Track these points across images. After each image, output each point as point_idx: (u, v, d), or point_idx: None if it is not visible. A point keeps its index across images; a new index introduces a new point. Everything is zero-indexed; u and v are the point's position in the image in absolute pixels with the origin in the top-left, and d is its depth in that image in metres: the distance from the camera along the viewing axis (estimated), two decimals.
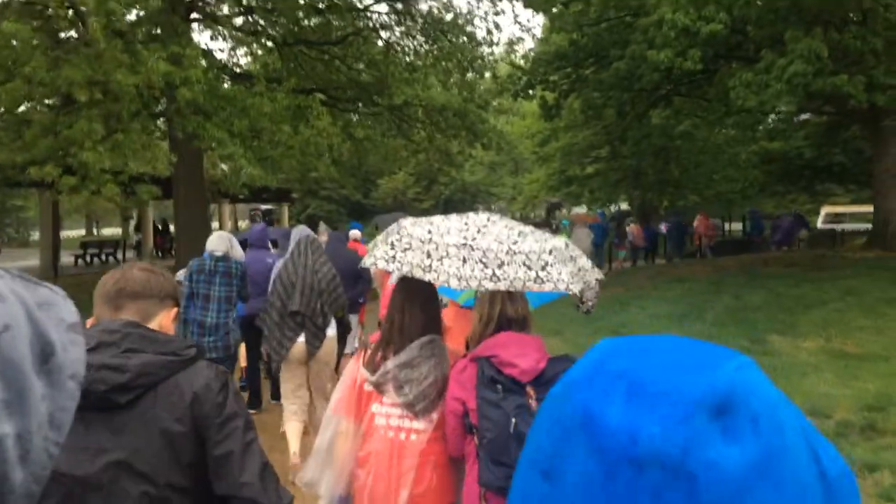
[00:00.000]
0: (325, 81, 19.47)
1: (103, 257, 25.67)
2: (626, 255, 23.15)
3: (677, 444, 0.48)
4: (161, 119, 12.84)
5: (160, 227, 30.41)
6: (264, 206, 41.99)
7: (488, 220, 2.79)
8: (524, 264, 2.51)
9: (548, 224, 23.96)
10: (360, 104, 20.35)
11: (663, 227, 25.11)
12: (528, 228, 2.81)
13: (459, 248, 2.55)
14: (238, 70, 16.79)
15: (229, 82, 13.24)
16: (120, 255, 27.09)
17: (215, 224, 33.83)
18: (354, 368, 2.77)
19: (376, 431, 2.65)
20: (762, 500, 0.49)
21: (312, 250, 5.24)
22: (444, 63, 20.07)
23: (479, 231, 2.66)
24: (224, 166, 12.00)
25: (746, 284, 14.93)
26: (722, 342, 6.70)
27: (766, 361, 8.56)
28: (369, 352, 2.77)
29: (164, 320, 1.90)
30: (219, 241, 5.79)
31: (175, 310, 1.96)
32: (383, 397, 2.66)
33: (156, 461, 1.64)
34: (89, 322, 1.80)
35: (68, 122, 9.85)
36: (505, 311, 2.65)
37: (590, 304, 3.07)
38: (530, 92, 20.60)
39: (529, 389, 2.43)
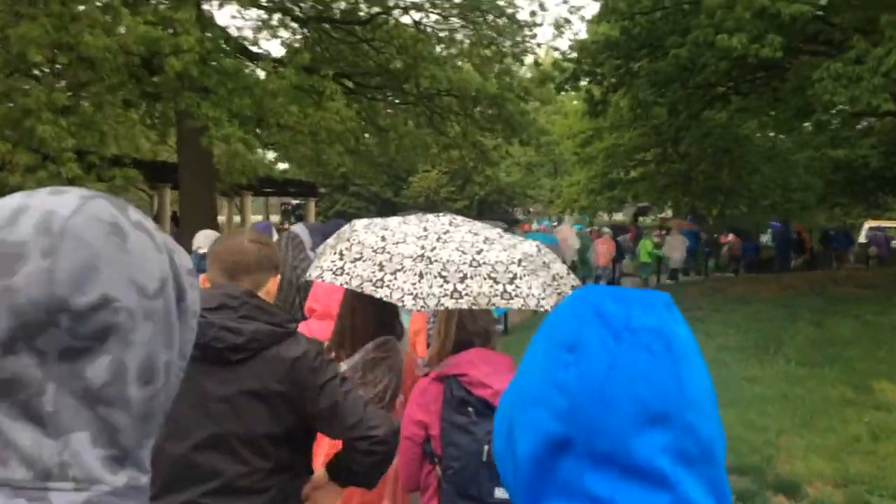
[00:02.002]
0: (351, 66, 17.73)
1: None
2: (715, 264, 21.82)
3: (656, 320, 0.75)
4: (157, 97, 11.11)
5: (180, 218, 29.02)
6: (294, 201, 41.05)
7: (450, 224, 2.54)
8: (490, 276, 2.26)
9: (634, 230, 22.04)
10: (389, 93, 18.57)
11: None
12: (495, 233, 2.55)
13: (416, 261, 2.29)
14: (248, 45, 15.05)
15: (236, 58, 11.50)
16: None
17: (237, 218, 32.40)
18: None
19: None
20: (699, 362, 0.78)
21: (293, 246, 5.15)
22: (481, 50, 18.20)
23: (438, 239, 2.41)
24: (216, 150, 10.16)
25: (825, 309, 12.80)
26: (816, 391, 6.21)
27: (879, 419, 6.56)
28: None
29: (271, 286, 2.11)
30: (203, 240, 5.74)
31: (278, 276, 2.14)
32: None
33: (255, 412, 1.83)
34: (203, 281, 2.18)
35: (26, 88, 8.20)
36: (464, 325, 2.44)
37: None
38: (579, 83, 18.66)
39: None
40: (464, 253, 2.35)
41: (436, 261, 2.30)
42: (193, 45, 9.67)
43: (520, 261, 2.34)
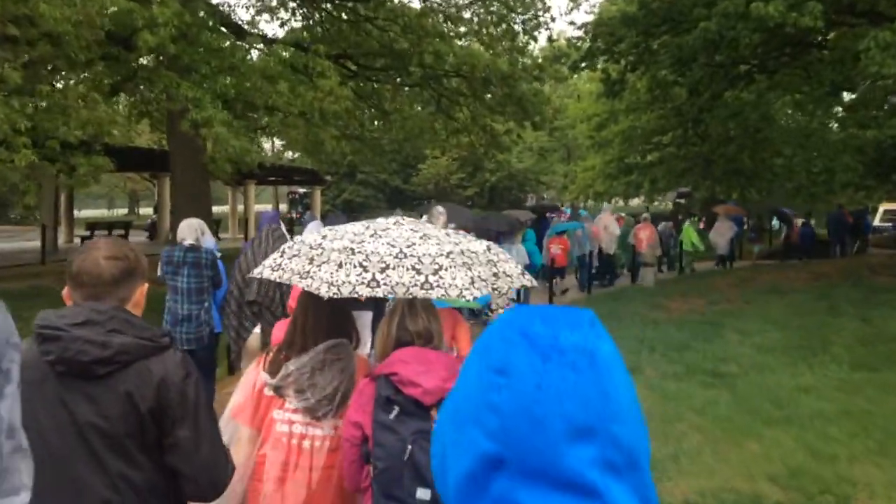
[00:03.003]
0: (354, 46, 16.69)
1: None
2: (760, 249, 21.06)
3: (581, 338, 0.77)
4: (132, 78, 10.09)
5: None
6: (301, 189, 40.17)
7: (395, 223, 2.55)
8: (413, 268, 2.27)
9: (675, 218, 20.88)
10: (394, 75, 17.51)
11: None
12: (441, 233, 2.55)
13: (340, 253, 2.34)
14: (242, 24, 14.01)
15: (221, 33, 10.47)
16: (131, 238, 24.88)
17: (240, 207, 31.48)
18: (255, 372, 2.57)
19: (277, 438, 2.47)
20: (622, 375, 0.79)
21: (274, 238, 5.11)
22: (490, 28, 17.11)
23: (373, 235, 2.44)
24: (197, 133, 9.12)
25: (867, 301, 11.69)
26: (882, 403, 5.87)
27: None
28: (271, 355, 2.56)
29: (138, 297, 2.00)
30: (188, 230, 5.53)
31: (146, 285, 2.05)
32: (285, 402, 2.47)
33: (121, 425, 1.81)
34: (65, 295, 1.93)
35: None
36: (405, 325, 2.39)
37: (500, 311, 2.81)
38: (595, 62, 17.51)
39: (434, 412, 2.14)
40: (392, 246, 2.35)
41: (359, 252, 2.32)
42: (170, 18, 8.67)
43: (448, 253, 2.34)
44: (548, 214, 18.41)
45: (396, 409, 2.19)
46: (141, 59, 9.72)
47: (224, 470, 1.96)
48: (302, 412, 2.45)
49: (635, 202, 38.21)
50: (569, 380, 0.74)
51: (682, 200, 23.98)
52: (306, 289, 2.36)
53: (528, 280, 2.67)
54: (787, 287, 14.05)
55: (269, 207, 51.38)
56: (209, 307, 5.53)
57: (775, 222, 25.94)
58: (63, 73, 8.22)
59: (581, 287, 15.29)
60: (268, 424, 2.51)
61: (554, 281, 14.04)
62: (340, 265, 2.31)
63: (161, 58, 9.89)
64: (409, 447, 2.14)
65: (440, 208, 7.52)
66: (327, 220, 9.59)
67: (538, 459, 0.73)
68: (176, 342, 5.44)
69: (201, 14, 9.88)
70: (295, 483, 2.45)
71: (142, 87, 10.28)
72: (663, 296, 13.53)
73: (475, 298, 2.33)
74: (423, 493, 2.12)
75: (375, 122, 19.69)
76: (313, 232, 2.72)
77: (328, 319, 2.55)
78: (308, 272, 2.35)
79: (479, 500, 0.76)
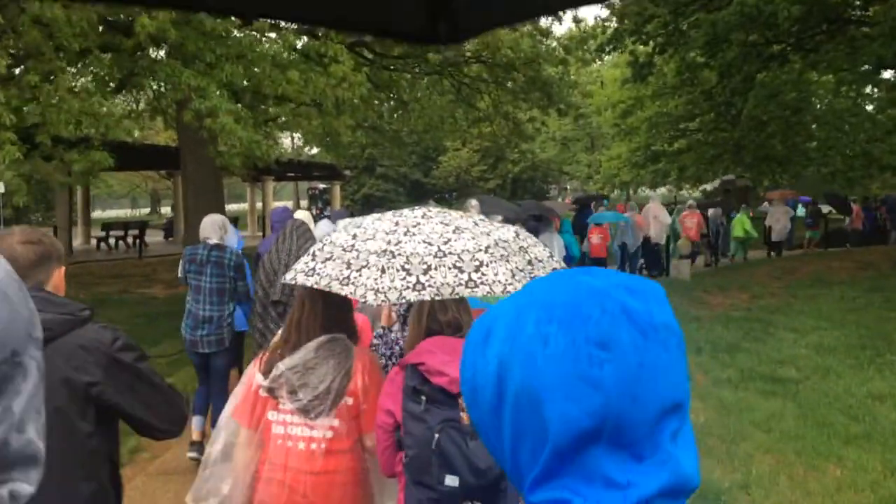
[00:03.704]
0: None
1: (130, 240, 22.92)
2: (818, 235, 20.70)
3: (669, 316, 0.76)
4: (131, 67, 9.45)
5: None
6: (322, 185, 39.69)
7: (423, 216, 2.47)
8: (454, 266, 2.24)
9: (724, 205, 20.11)
10: (412, 63, 16.81)
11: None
12: (470, 223, 2.46)
13: (379, 256, 2.28)
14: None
15: (227, 18, 9.80)
16: (147, 238, 24.45)
17: (259, 204, 30.98)
18: (252, 371, 2.52)
19: (273, 440, 2.41)
20: (678, 342, 0.77)
21: (298, 235, 4.90)
22: None
23: (406, 232, 2.37)
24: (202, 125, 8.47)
25: None
26: None
27: None
28: (268, 354, 2.49)
29: (56, 281, 2.04)
30: (210, 227, 5.31)
31: (62, 268, 2.07)
32: (279, 404, 2.40)
33: (56, 398, 1.82)
34: None
35: None
36: (435, 316, 2.39)
37: None
38: (625, 44, 16.67)
39: (461, 400, 2.09)
40: (430, 244, 2.30)
41: (399, 254, 2.27)
42: None
43: (487, 248, 2.32)
44: (592, 204, 17.67)
45: (424, 399, 2.20)
46: (142, 48, 9.06)
47: (180, 408, 2.11)
48: (296, 413, 2.39)
49: (660, 191, 37.21)
50: (662, 358, 0.75)
51: (730, 188, 23.10)
52: (349, 296, 2.29)
53: (558, 263, 2.59)
54: (834, 278, 13.19)
55: (288, 204, 50.96)
56: (232, 311, 5.30)
57: (825, 207, 24.70)
58: (53, 61, 7.54)
59: None
60: (265, 426, 2.45)
61: None
62: (383, 270, 2.24)
63: (163, 47, 9.26)
64: (437, 436, 2.14)
65: (473, 201, 7.19)
66: (333, 216, 8.93)
67: (631, 434, 0.74)
68: (196, 346, 5.13)
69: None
70: (288, 487, 2.39)
71: (144, 80, 9.61)
72: (701, 289, 12.73)
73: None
74: (451, 480, 2.12)
75: (394, 114, 19.03)
76: (339, 222, 2.55)
77: (324, 314, 2.46)
78: (348, 278, 2.25)
79: (563, 466, 0.76)
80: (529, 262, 2.44)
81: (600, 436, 0.73)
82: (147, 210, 65.34)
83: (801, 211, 24.50)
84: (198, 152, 12.25)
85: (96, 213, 73.04)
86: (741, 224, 17.31)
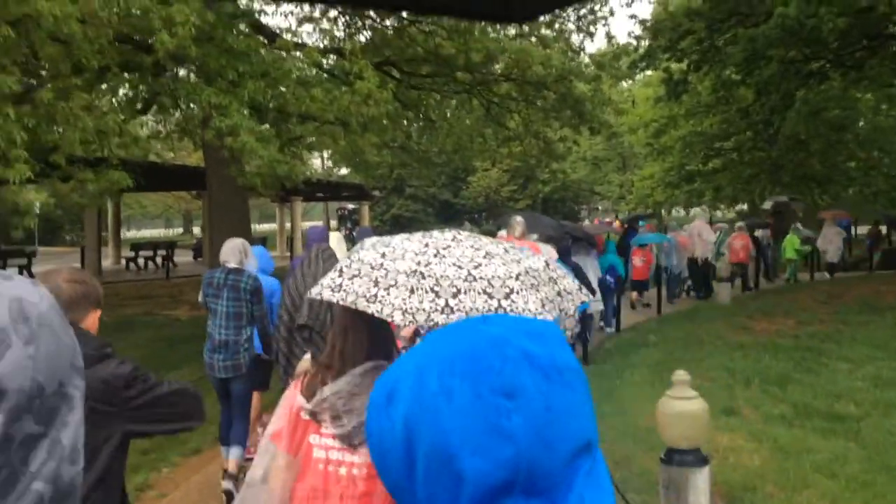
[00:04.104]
0: (398, 52, 15.75)
1: (159, 260, 22.87)
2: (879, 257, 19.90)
3: (570, 357, 0.78)
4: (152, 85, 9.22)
5: None
6: (350, 206, 39.61)
7: (453, 239, 2.42)
8: (484, 292, 2.21)
9: (775, 226, 19.61)
10: (441, 81, 16.51)
11: None
12: (500, 248, 2.42)
13: (409, 276, 2.24)
14: (279, 31, 13.15)
15: (249, 36, 9.57)
16: (177, 258, 24.42)
17: (288, 225, 30.88)
18: (293, 394, 2.43)
19: (314, 465, 2.34)
20: (582, 380, 0.79)
21: (324, 259, 4.94)
22: (542, 30, 15.95)
23: (437, 254, 2.33)
24: (224, 145, 8.17)
25: None
26: None
27: None
28: (308, 377, 2.41)
29: (90, 322, 2.26)
30: (230, 252, 5.29)
31: (98, 311, 2.30)
32: (321, 428, 2.33)
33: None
34: None
35: None
36: None
37: (568, 333, 2.98)
38: (659, 61, 16.24)
39: None
40: (460, 268, 2.26)
41: (429, 276, 2.24)
42: (188, 17, 7.79)
43: (518, 275, 2.28)
44: (639, 223, 17.42)
45: None
46: (163, 67, 8.85)
47: (194, 401, 2.42)
48: (338, 438, 2.33)
49: (695, 211, 36.38)
50: (569, 399, 0.76)
51: (780, 210, 22.54)
52: (376, 314, 2.26)
53: (586, 295, 2.59)
54: (883, 304, 12.50)
55: (319, 223, 50.81)
56: (250, 335, 5.25)
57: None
58: (69, 79, 7.33)
59: (668, 299, 14.34)
60: (305, 450, 2.38)
61: (634, 294, 13.63)
62: (412, 290, 2.22)
63: (186, 65, 9.04)
64: None
65: (518, 218, 7.06)
66: (358, 234, 8.92)
67: (546, 481, 0.73)
68: (214, 370, 5.11)
69: (231, 18, 9.00)
70: None
71: (166, 99, 9.36)
72: (744, 314, 12.14)
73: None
74: None
75: (423, 135, 18.73)
76: (365, 241, 2.57)
77: (368, 339, 2.40)
78: (376, 296, 2.22)
79: None
80: (559, 294, 2.43)
81: (514, 487, 0.73)
82: (181, 230, 65.94)
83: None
84: (222, 172, 12.02)
85: (131, 233, 74.04)
86: (791, 245, 16.89)
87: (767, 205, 22.36)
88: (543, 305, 2.27)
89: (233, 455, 5.10)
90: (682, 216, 35.37)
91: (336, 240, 6.17)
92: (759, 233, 17.15)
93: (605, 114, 16.08)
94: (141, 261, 23.29)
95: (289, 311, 4.79)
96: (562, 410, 0.75)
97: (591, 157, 41.04)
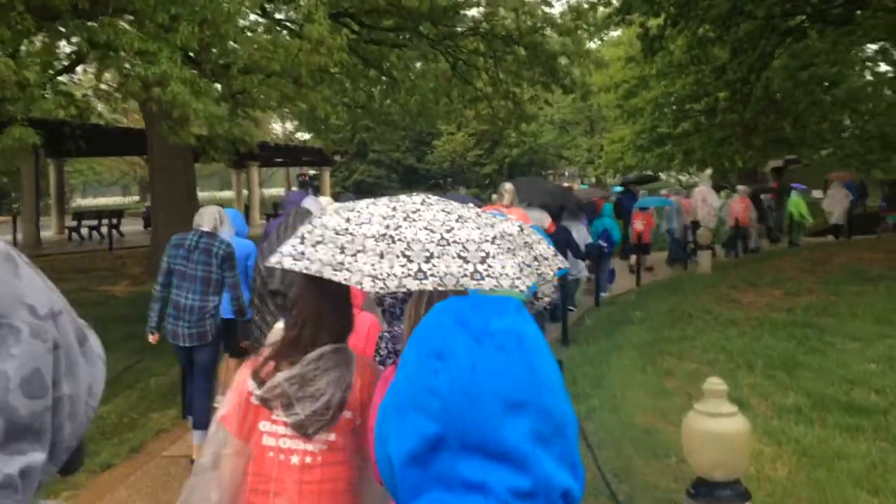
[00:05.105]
0: (356, 3, 14.50)
1: (105, 230, 21.40)
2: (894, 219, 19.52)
3: (509, 322, 0.83)
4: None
5: None
6: (312, 171, 38.29)
7: (422, 203, 2.34)
8: (459, 256, 2.12)
9: (778, 188, 19.19)
10: (403, 36, 15.30)
11: None
12: (472, 212, 2.36)
13: (378, 241, 2.13)
14: None
15: None
16: (126, 227, 23.01)
17: (249, 191, 29.49)
18: (244, 376, 2.31)
19: (264, 452, 2.25)
20: (546, 353, 0.86)
21: (302, 222, 3.65)
22: None
23: (406, 218, 2.24)
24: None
25: None
26: None
27: None
28: (259, 360, 2.28)
29: None
30: (206, 217, 5.17)
31: None
32: (272, 414, 2.24)
33: None
34: None
35: None
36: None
37: (546, 300, 2.87)
38: (634, 15, 15.25)
39: None
40: (432, 231, 2.19)
41: (399, 240, 2.15)
42: None
43: (493, 238, 2.21)
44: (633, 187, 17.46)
45: None
46: (83, 11, 7.60)
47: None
48: (290, 427, 2.19)
49: (703, 175, 35.42)
50: (500, 360, 0.81)
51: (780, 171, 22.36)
52: (344, 282, 2.11)
53: (562, 262, 2.57)
54: (872, 272, 11.84)
55: (281, 191, 49.36)
56: (217, 304, 5.09)
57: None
58: None
59: (670, 263, 14.20)
60: (256, 437, 2.25)
61: (634, 258, 13.55)
62: (382, 255, 2.10)
63: (107, 8, 7.81)
64: None
65: (508, 185, 6.92)
66: (339, 201, 8.48)
67: (476, 434, 0.78)
68: (177, 337, 4.91)
69: None
70: (277, 496, 2.21)
71: (90, 48, 8.08)
72: (728, 285, 11.40)
73: (528, 288, 2.19)
74: None
75: (384, 94, 17.51)
76: (327, 207, 2.40)
77: (323, 322, 2.25)
78: (342, 263, 2.09)
79: (423, 478, 0.82)
80: (535, 259, 2.40)
81: (447, 440, 0.80)
82: (137, 198, 63.66)
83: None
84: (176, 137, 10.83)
85: (86, 201, 71.39)
86: (797, 207, 16.57)
87: (768, 167, 22.10)
88: (521, 270, 2.20)
89: (197, 440, 4.78)
90: (685, 180, 34.49)
91: (326, 203, 5.84)
92: (763, 196, 16.99)
93: (580, 70, 15.07)
94: (85, 231, 21.81)
95: (262, 276, 4.50)
96: (489, 370, 0.80)
97: (559, 120, 40.08)
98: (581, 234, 9.85)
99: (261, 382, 2.22)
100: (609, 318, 9.55)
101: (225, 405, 2.36)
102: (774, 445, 4.73)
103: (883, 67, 24.33)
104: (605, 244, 10.93)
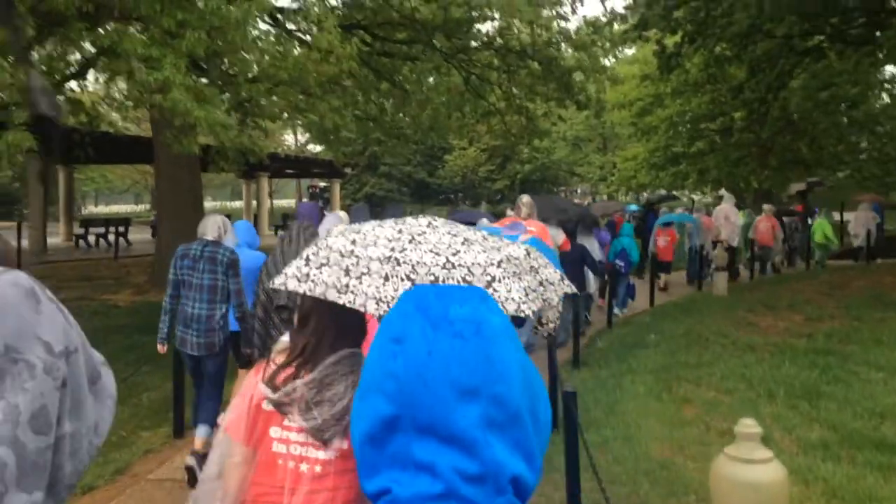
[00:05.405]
0: (370, 16, 14.34)
1: (112, 238, 21.25)
2: None
3: (470, 310, 0.85)
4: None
5: None
6: (323, 183, 38.19)
7: (428, 225, 2.32)
8: (465, 280, 2.09)
9: (804, 211, 19.13)
10: (417, 49, 15.12)
11: None
12: (478, 235, 2.34)
13: (383, 263, 2.12)
14: None
15: None
16: (134, 236, 22.89)
17: (258, 202, 29.36)
18: (252, 383, 2.26)
19: (273, 460, 2.17)
20: (507, 343, 0.86)
21: (306, 238, 4.57)
22: None
23: (412, 240, 2.22)
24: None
25: None
26: None
27: None
28: (273, 365, 2.22)
29: None
30: (210, 225, 5.21)
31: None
32: (284, 420, 2.16)
33: None
34: None
35: None
36: None
37: (551, 325, 2.81)
38: (650, 32, 15.03)
39: None
40: (437, 254, 2.16)
41: (404, 262, 2.14)
42: None
43: (500, 262, 2.20)
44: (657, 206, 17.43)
45: None
46: (89, 16, 7.43)
47: None
48: (305, 432, 2.12)
49: (725, 195, 35.09)
50: (455, 347, 0.83)
51: (808, 192, 22.21)
52: (348, 305, 2.10)
53: (569, 287, 2.52)
54: (894, 297, 11.49)
55: (292, 202, 49.26)
56: (225, 313, 5.11)
57: None
58: None
59: (689, 281, 14.04)
60: (265, 444, 2.18)
61: (663, 277, 13.55)
62: (386, 278, 2.08)
63: (114, 14, 7.65)
64: None
65: (525, 198, 6.72)
66: (352, 213, 8.32)
67: (429, 417, 0.80)
68: (185, 345, 4.96)
69: None
70: None
71: (99, 56, 7.93)
72: (745, 308, 11.05)
73: (533, 312, 2.22)
74: None
75: (395, 105, 17.32)
76: (333, 228, 2.37)
77: (338, 330, 2.22)
78: (347, 286, 2.09)
79: (379, 458, 0.85)
80: (541, 283, 2.39)
81: (401, 421, 0.83)
82: (149, 206, 63.80)
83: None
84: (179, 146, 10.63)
85: (99, 209, 71.49)
86: (822, 229, 16.26)
87: (792, 190, 21.91)
88: (527, 294, 2.20)
89: (200, 433, 4.88)
90: (698, 200, 34.18)
91: (342, 218, 5.82)
92: (786, 219, 16.73)
93: (595, 86, 14.82)
94: (92, 238, 21.68)
95: (266, 290, 4.50)
96: (444, 356, 0.83)
97: (572, 137, 39.85)
98: (594, 248, 9.76)
99: (275, 389, 2.17)
100: (622, 341, 9.24)
101: (231, 412, 2.30)
102: (801, 485, 4.41)
103: None
104: (622, 263, 10.85)
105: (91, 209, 69.86)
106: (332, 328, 2.21)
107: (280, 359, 2.24)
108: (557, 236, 8.01)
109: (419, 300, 0.89)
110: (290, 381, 2.15)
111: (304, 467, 2.14)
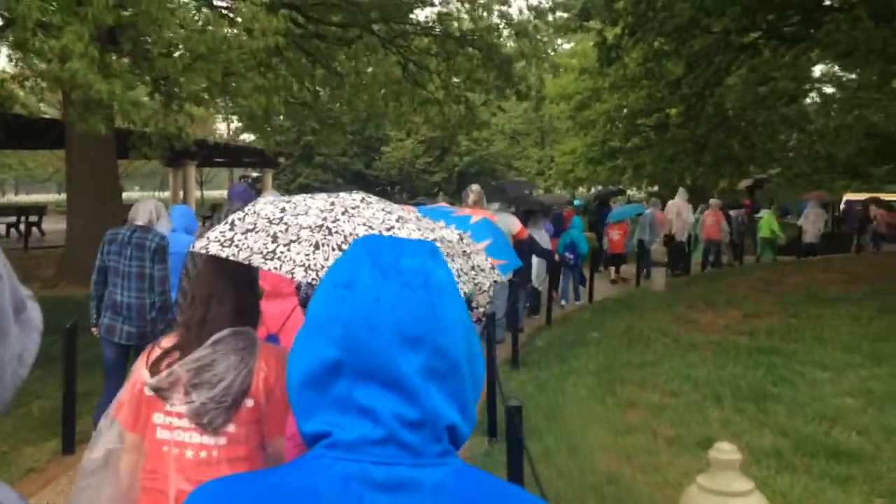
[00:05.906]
0: None
1: (21, 228, 19.90)
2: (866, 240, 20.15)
3: (420, 262, 0.84)
4: None
5: None
6: (255, 173, 37.04)
7: (362, 200, 2.31)
8: None
9: (751, 206, 19.41)
10: (353, 33, 14.48)
11: None
12: (413, 215, 2.33)
13: (314, 231, 2.07)
14: None
15: None
16: (50, 225, 21.55)
17: (185, 192, 28.13)
18: (139, 367, 2.19)
19: (159, 447, 2.10)
20: (452, 297, 0.85)
21: None
22: None
23: (345, 212, 2.19)
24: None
25: None
26: None
27: None
28: (158, 350, 2.15)
29: None
30: (141, 211, 5.01)
31: None
32: (166, 405, 2.10)
33: None
34: None
35: None
36: None
37: (481, 310, 2.79)
38: (591, 23, 14.79)
39: None
40: (371, 228, 2.15)
41: (337, 232, 2.10)
42: None
43: (433, 242, 1.76)
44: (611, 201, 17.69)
45: None
46: None
47: None
48: (186, 417, 2.05)
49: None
50: (403, 295, 0.82)
51: (756, 188, 22.70)
52: (273, 271, 2.05)
53: (498, 275, 2.59)
54: (828, 293, 11.53)
55: (224, 193, 47.65)
56: (155, 299, 4.91)
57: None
58: None
59: (645, 275, 13.98)
60: (150, 430, 2.12)
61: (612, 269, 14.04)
62: (317, 246, 2.04)
63: None
64: None
65: (474, 186, 6.91)
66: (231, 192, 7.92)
67: (372, 361, 0.80)
68: (113, 332, 4.77)
69: None
70: (173, 499, 2.04)
71: None
72: (683, 304, 10.88)
73: (464, 294, 2.08)
74: None
75: (334, 100, 16.61)
76: (266, 202, 2.21)
77: (234, 307, 2.12)
78: (274, 252, 2.02)
79: (319, 399, 0.83)
80: (472, 268, 2.39)
81: (344, 366, 0.82)
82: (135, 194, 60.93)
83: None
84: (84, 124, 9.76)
85: (19, 198, 67.98)
86: (769, 224, 16.52)
87: (743, 184, 22.33)
88: (458, 276, 2.20)
89: None
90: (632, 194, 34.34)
91: (152, 206, 5.51)
92: (734, 213, 16.94)
93: (535, 74, 14.49)
94: (2, 228, 20.29)
95: (190, 275, 4.23)
96: (391, 303, 0.82)
97: (510, 130, 39.68)
98: (543, 239, 9.74)
99: (155, 371, 2.09)
100: (561, 339, 8.89)
101: (118, 399, 2.22)
102: None
103: (829, 90, 24.63)
104: (570, 256, 10.98)
105: (11, 198, 66.45)
106: (217, 307, 2.10)
107: (167, 343, 2.14)
108: (510, 224, 7.85)
109: (372, 248, 0.87)
110: (171, 364, 2.08)
111: (189, 453, 2.05)
